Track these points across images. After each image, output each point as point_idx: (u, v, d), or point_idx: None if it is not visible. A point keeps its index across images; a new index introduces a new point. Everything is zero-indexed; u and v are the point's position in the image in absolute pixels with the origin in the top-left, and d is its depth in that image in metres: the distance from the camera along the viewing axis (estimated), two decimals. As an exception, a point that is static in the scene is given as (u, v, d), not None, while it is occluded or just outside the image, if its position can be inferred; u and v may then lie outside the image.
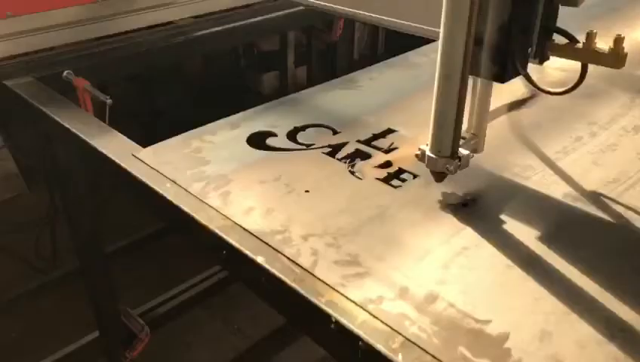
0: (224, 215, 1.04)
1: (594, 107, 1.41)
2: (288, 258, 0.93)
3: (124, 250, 2.64)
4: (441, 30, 0.94)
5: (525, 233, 0.98)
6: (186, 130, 1.32)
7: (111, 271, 2.07)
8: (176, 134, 1.31)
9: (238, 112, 1.40)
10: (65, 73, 1.66)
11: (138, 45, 1.89)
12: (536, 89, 1.06)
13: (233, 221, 1.02)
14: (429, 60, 1.72)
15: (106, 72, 1.81)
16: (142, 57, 1.91)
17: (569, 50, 1.00)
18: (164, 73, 2.82)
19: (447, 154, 1.03)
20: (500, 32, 0.96)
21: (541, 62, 1.04)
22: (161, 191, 1.11)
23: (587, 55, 0.96)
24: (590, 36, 0.95)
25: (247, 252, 0.95)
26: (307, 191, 1.10)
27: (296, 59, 2.98)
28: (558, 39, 0.99)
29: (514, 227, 1.00)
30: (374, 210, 1.04)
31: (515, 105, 1.44)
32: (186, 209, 1.06)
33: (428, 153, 1.04)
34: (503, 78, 1.00)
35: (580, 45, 0.98)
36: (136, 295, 2.37)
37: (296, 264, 0.92)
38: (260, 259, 0.93)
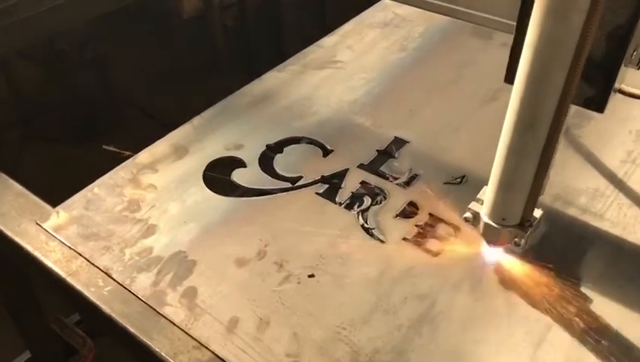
0: (195, 339, 0.68)
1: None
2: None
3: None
4: (527, 52, 0.58)
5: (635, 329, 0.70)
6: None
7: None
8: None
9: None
10: None
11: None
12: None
13: (211, 351, 0.67)
14: (417, 13, 1.33)
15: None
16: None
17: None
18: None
19: (516, 222, 0.70)
20: (610, 40, 0.61)
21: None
22: (91, 298, 0.73)
23: None
24: None
25: (245, 422, 0.61)
26: (311, 275, 0.75)
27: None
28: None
29: (614, 317, 0.71)
30: (416, 304, 0.72)
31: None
32: (134, 331, 0.70)
33: (485, 219, 0.71)
34: (601, 104, 0.67)
35: None
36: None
37: None
38: None
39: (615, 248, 0.79)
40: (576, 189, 0.88)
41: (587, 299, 0.72)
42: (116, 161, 0.94)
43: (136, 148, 0.96)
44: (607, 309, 0.71)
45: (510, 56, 0.67)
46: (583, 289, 0.74)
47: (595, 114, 1.03)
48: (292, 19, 2.45)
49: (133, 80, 2.41)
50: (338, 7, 2.21)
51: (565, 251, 0.79)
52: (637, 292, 0.73)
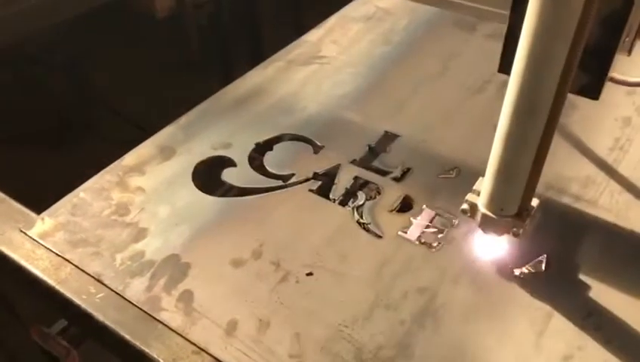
0: (194, 344, 0.67)
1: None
2: None
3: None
4: (526, 38, 0.57)
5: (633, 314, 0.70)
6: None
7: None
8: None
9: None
10: None
11: None
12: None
13: (211, 355, 0.66)
14: (400, 5, 1.33)
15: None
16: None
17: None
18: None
19: (514, 212, 0.70)
20: (604, 27, 0.61)
21: (630, 52, 0.71)
22: (83, 306, 0.71)
23: None
24: None
25: None
26: (309, 273, 0.74)
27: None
28: None
29: (612, 302, 0.71)
30: (417, 297, 0.71)
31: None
32: (130, 339, 0.68)
33: (483, 210, 0.71)
34: (597, 91, 0.67)
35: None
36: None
37: None
38: None
39: (610, 234, 0.80)
40: (567, 177, 0.88)
41: (585, 285, 0.73)
42: (92, 164, 0.91)
43: (112, 152, 0.93)
44: (605, 294, 0.71)
45: (504, 46, 0.67)
46: (580, 276, 0.74)
47: (581, 102, 1.04)
48: (269, 16, 2.43)
49: (107, 81, 2.37)
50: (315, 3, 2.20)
51: (561, 239, 0.79)
52: (633, 276, 0.74)
